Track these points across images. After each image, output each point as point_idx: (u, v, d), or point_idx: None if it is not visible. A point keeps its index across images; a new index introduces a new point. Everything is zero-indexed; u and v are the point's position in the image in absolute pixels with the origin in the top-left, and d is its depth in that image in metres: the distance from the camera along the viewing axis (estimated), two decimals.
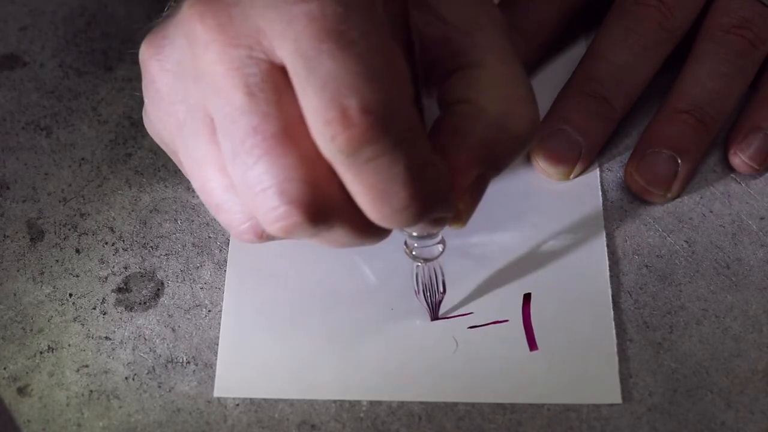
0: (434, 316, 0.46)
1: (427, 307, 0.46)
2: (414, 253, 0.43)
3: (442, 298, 0.46)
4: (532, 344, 0.45)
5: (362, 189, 0.35)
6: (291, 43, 0.34)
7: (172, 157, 0.44)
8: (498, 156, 0.39)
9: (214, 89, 0.36)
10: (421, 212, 0.36)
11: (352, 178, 0.35)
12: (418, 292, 0.45)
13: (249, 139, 0.35)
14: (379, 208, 0.35)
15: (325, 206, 0.36)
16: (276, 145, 0.35)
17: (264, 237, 0.39)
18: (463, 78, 0.39)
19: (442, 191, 0.37)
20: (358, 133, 0.33)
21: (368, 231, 0.38)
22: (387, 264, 0.48)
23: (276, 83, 0.35)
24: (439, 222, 0.39)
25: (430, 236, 0.42)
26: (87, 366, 0.46)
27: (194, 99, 0.38)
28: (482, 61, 0.39)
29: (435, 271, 0.45)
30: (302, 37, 0.34)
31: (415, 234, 0.42)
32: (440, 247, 0.43)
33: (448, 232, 0.48)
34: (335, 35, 0.33)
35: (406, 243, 0.43)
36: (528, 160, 0.50)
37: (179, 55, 0.38)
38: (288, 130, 0.35)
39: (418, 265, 0.44)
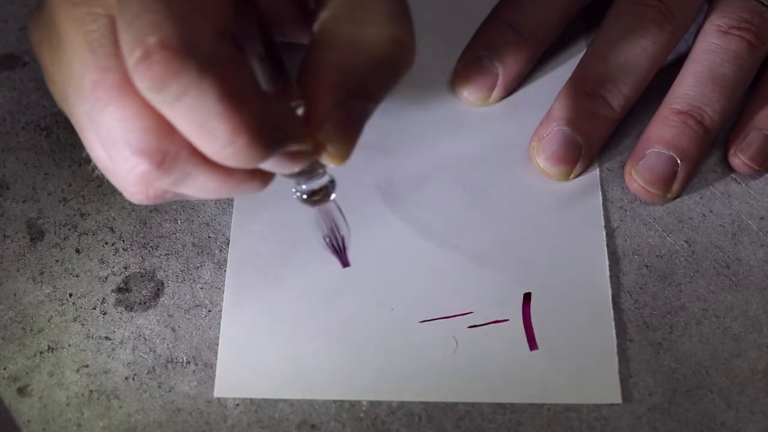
0: (344, 261, 0.45)
1: (334, 254, 0.44)
2: (304, 197, 0.41)
3: (345, 240, 0.44)
4: (532, 344, 0.45)
5: (185, 128, 0.35)
6: None
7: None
8: (359, 82, 0.37)
9: (71, 52, 0.37)
10: (253, 145, 0.35)
11: (172, 117, 0.35)
12: (323, 239, 0.44)
13: (93, 93, 0.36)
14: (209, 146, 0.35)
15: (170, 152, 0.36)
16: (116, 97, 0.36)
17: (151, 195, 0.39)
18: (320, 7, 0.38)
19: (274, 122, 0.35)
20: (160, 69, 0.33)
21: (233, 174, 0.37)
22: (387, 264, 0.48)
23: (112, 36, 0.36)
24: (296, 156, 0.37)
25: (311, 174, 0.40)
26: (87, 366, 0.46)
27: (64, 67, 0.38)
28: None
29: (332, 212, 0.43)
30: None
31: (288, 174, 0.40)
32: (326, 183, 0.41)
33: (449, 228, 0.48)
34: None
35: (294, 188, 0.41)
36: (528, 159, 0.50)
37: (48, 25, 0.39)
38: (126, 80, 0.35)
39: (315, 211, 0.42)
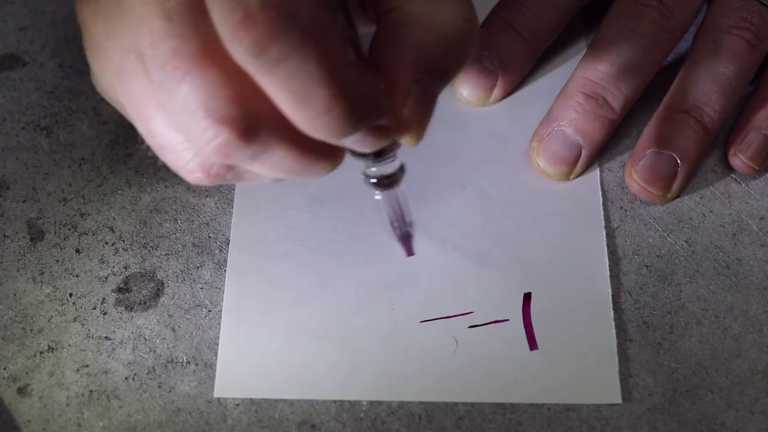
0: (409, 251, 0.45)
1: (398, 240, 0.45)
2: (372, 180, 0.41)
3: (410, 229, 0.44)
4: (532, 344, 0.45)
5: (281, 94, 0.34)
6: None
7: (121, 112, 0.43)
8: (434, 59, 0.38)
9: (137, 21, 0.36)
10: (348, 115, 0.35)
11: (268, 83, 0.34)
12: (387, 225, 0.44)
13: (170, 62, 0.35)
14: (302, 113, 0.34)
15: (255, 121, 0.35)
16: (197, 65, 0.35)
17: (212, 174, 0.39)
18: None
19: (368, 93, 0.36)
20: (263, 31, 0.33)
21: (311, 151, 0.37)
22: (387, 264, 0.48)
23: (191, 4, 0.35)
24: (381, 132, 0.37)
25: (384, 156, 0.40)
26: (87, 366, 0.46)
27: (125, 38, 0.37)
28: None
29: (399, 199, 0.43)
30: None
31: (365, 153, 0.40)
32: (398, 167, 0.41)
33: (449, 228, 0.48)
34: None
35: (364, 172, 0.41)
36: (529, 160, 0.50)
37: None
38: (208, 48, 0.35)
39: (381, 195, 0.43)
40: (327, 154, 0.38)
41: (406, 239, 0.45)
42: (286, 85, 0.34)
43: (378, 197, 0.43)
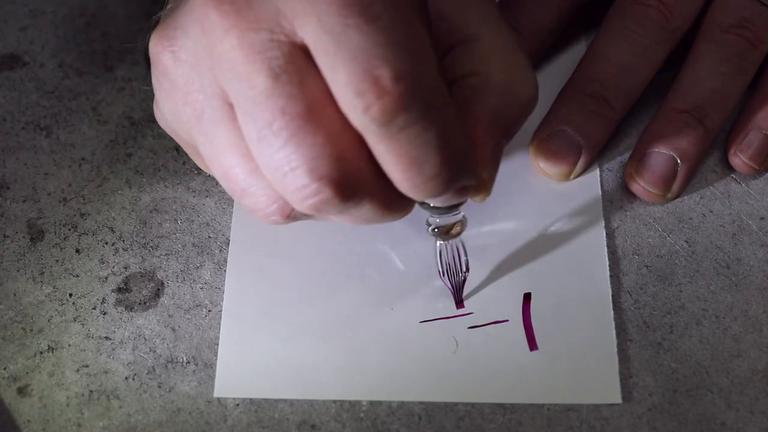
0: (458, 298, 0.46)
1: (450, 288, 0.46)
2: (436, 230, 0.43)
3: (466, 278, 0.46)
4: (532, 344, 0.45)
5: (396, 158, 0.36)
6: (314, 21, 0.35)
7: (186, 149, 0.44)
8: (509, 123, 0.40)
9: (235, 75, 0.36)
10: (450, 179, 0.36)
11: (386, 148, 0.35)
12: (443, 274, 0.45)
13: (276, 121, 0.36)
14: (412, 177, 0.36)
15: (354, 181, 0.36)
16: (303, 125, 0.35)
17: (292, 216, 0.40)
18: (464, 51, 0.39)
19: (468, 158, 0.37)
20: (392, 101, 0.34)
21: (394, 205, 0.38)
22: (387, 264, 0.48)
23: (299, 64, 0.35)
24: (463, 192, 0.39)
25: (452, 210, 0.42)
26: (87, 366, 0.46)
27: (211, 87, 0.38)
28: (480, 33, 0.39)
29: (458, 249, 0.45)
30: (326, 14, 0.34)
31: (438, 206, 0.42)
32: (462, 221, 0.44)
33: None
34: (359, 9, 0.34)
35: (428, 221, 0.43)
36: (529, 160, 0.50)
37: (193, 44, 0.38)
38: (313, 109, 0.35)
39: (440, 244, 0.45)
40: (405, 208, 0.39)
41: (455, 289, 0.46)
42: (402, 151, 0.35)
43: (438, 245, 0.45)
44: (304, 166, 0.36)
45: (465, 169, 0.37)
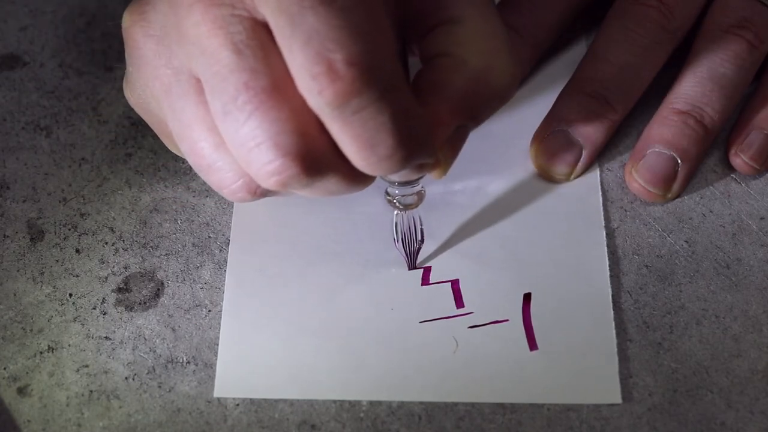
0: (411, 265, 0.47)
1: (405, 256, 0.47)
2: (395, 201, 0.44)
3: (420, 247, 0.47)
4: (532, 344, 0.45)
5: (349, 139, 0.36)
6: (273, 1, 0.35)
7: (155, 128, 0.44)
8: (478, 108, 0.40)
9: (200, 49, 0.36)
10: (405, 159, 0.37)
11: (340, 129, 0.36)
12: (397, 241, 0.46)
13: (240, 96, 0.36)
14: (366, 157, 0.36)
15: (318, 156, 0.37)
16: (267, 100, 0.36)
17: (258, 193, 0.40)
18: (445, 32, 0.39)
19: (424, 139, 0.37)
20: (345, 86, 0.34)
21: (357, 178, 0.39)
22: (387, 264, 0.48)
23: (261, 40, 0.36)
24: (421, 168, 0.40)
25: (411, 183, 0.43)
26: (87, 366, 0.46)
27: (179, 61, 0.39)
28: (463, 15, 0.39)
29: (414, 220, 0.46)
30: None
31: (397, 181, 0.43)
32: (421, 193, 0.44)
33: (449, 228, 0.48)
34: None
35: (387, 191, 0.44)
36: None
37: (162, 19, 0.39)
38: (277, 84, 0.36)
39: (397, 213, 0.45)
40: (367, 180, 0.40)
41: (409, 255, 0.47)
42: (356, 133, 0.36)
43: (396, 214, 0.46)
44: (269, 142, 0.36)
45: (422, 148, 0.37)
